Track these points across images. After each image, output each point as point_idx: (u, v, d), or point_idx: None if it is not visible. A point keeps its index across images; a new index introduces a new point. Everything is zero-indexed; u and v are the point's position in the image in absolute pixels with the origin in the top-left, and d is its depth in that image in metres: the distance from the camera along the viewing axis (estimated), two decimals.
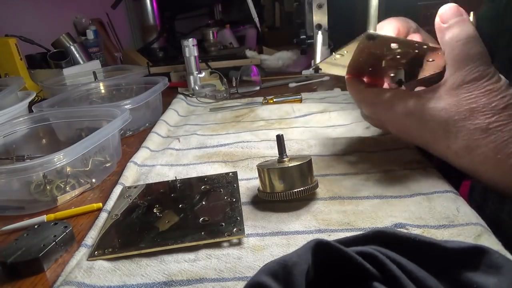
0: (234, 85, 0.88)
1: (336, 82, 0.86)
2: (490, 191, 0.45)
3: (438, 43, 0.38)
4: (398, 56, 0.40)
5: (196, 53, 0.88)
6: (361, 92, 0.43)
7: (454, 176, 0.41)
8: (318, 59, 0.95)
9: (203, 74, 0.90)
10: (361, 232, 0.26)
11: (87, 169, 0.48)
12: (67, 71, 0.96)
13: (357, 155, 0.47)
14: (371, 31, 0.36)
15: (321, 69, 0.46)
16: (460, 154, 0.36)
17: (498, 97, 0.34)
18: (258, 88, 0.87)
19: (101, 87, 0.79)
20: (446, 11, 0.36)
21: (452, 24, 0.36)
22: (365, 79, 0.46)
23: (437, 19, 0.37)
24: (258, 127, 0.63)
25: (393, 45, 0.37)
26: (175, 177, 0.46)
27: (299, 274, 0.22)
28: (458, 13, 0.36)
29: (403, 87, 0.44)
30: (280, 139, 0.39)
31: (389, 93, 0.41)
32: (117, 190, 0.44)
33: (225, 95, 0.84)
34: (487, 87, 0.34)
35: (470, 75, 0.34)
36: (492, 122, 0.34)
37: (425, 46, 0.37)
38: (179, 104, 0.80)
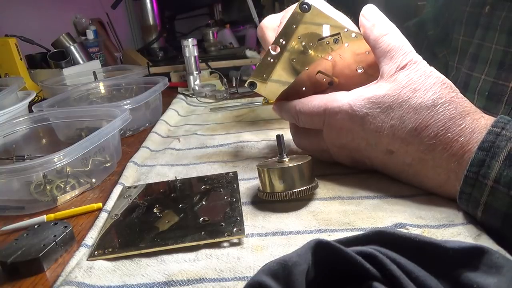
0: (234, 85, 0.88)
1: None
2: None
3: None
4: (329, 57, 0.42)
5: (196, 53, 0.88)
6: (296, 104, 0.42)
7: None
8: None
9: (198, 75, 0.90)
10: (361, 232, 0.26)
11: (87, 169, 0.48)
12: (67, 71, 0.96)
13: None
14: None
15: (254, 84, 0.45)
16: (408, 139, 0.35)
17: (434, 76, 0.35)
18: None
19: (101, 87, 0.79)
20: (368, 11, 0.40)
21: (376, 21, 0.39)
22: None
23: (362, 18, 0.40)
24: (258, 127, 0.63)
25: (325, 29, 0.40)
26: (175, 177, 0.46)
27: (299, 274, 0.22)
28: (379, 12, 0.40)
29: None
30: (280, 139, 0.39)
31: (326, 94, 0.41)
32: (117, 190, 0.44)
33: (225, 95, 0.84)
34: (421, 70, 0.36)
35: (404, 61, 0.36)
36: (437, 98, 0.34)
37: (353, 35, 0.40)
38: (179, 104, 0.80)
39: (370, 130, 0.37)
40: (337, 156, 0.43)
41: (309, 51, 0.42)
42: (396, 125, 0.36)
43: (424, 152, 0.35)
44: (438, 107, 0.34)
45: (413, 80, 0.35)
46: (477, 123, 0.33)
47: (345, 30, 0.40)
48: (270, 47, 0.42)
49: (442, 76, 0.36)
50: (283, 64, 0.43)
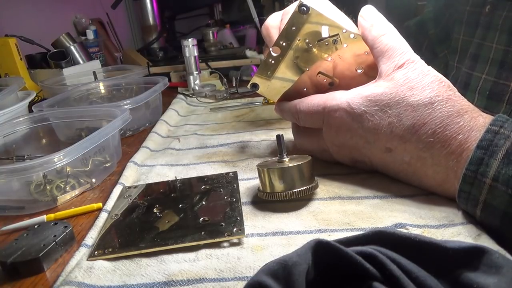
0: (234, 85, 0.88)
1: None
2: None
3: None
4: (328, 58, 0.42)
5: (196, 53, 0.88)
6: (297, 103, 0.43)
7: None
8: None
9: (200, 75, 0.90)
10: (361, 232, 0.26)
11: (87, 169, 0.48)
12: (67, 71, 0.96)
13: None
14: (304, 1, 0.39)
15: (257, 85, 0.45)
16: (406, 137, 0.36)
17: (431, 75, 0.36)
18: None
19: (101, 87, 0.79)
20: (367, 11, 0.40)
21: (374, 22, 0.39)
22: None
23: (360, 19, 0.40)
24: (258, 127, 0.63)
25: (324, 30, 0.40)
26: (175, 177, 0.46)
27: (299, 274, 0.22)
28: (377, 13, 0.40)
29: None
30: (280, 139, 0.39)
31: (325, 94, 0.41)
32: (117, 190, 0.44)
33: (225, 95, 0.84)
34: (419, 69, 0.36)
35: (401, 60, 0.37)
36: (434, 96, 0.34)
37: (352, 35, 0.40)
38: (179, 104, 0.80)
39: (368, 127, 0.37)
40: (337, 155, 0.43)
41: (313, 49, 0.42)
42: (394, 123, 0.36)
43: (422, 150, 0.35)
44: (435, 104, 0.34)
45: (410, 79, 0.36)
46: (475, 121, 0.33)
47: (344, 31, 0.40)
48: (271, 49, 0.42)
49: (440, 75, 0.36)
50: (287, 62, 0.43)
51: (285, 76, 0.44)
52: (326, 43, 0.41)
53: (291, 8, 0.42)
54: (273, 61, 0.43)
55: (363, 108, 0.37)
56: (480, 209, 0.31)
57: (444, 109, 0.34)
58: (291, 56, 0.42)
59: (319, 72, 0.43)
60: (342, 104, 0.39)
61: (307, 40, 0.41)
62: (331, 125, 0.40)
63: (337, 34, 0.40)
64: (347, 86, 0.41)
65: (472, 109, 0.34)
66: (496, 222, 0.30)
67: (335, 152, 0.43)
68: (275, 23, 0.45)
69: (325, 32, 0.41)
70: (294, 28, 0.41)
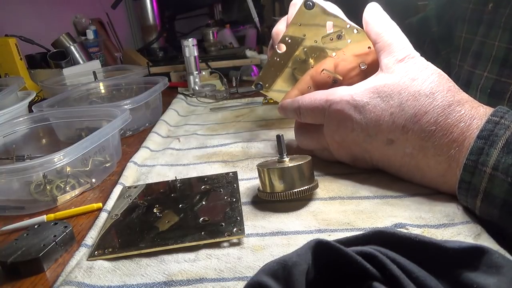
0: (234, 85, 0.88)
1: None
2: None
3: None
4: (333, 54, 0.43)
5: (196, 53, 0.88)
6: (299, 99, 0.44)
7: None
8: None
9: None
10: (361, 232, 0.26)
11: (87, 169, 0.48)
12: (67, 71, 0.96)
13: None
14: None
15: (260, 84, 0.46)
16: (408, 126, 0.36)
17: (431, 68, 0.37)
18: None
19: (101, 87, 0.79)
20: (371, 8, 0.41)
21: (378, 18, 0.41)
22: None
23: (365, 15, 0.41)
24: (258, 127, 0.63)
25: (328, 25, 0.41)
26: (175, 177, 0.46)
27: (299, 274, 0.22)
28: (381, 10, 0.41)
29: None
30: (280, 139, 0.39)
31: (328, 89, 0.42)
32: (117, 190, 0.44)
33: (225, 95, 0.84)
34: (419, 63, 0.37)
35: (402, 54, 0.38)
36: (435, 86, 0.35)
37: (356, 31, 0.41)
38: (179, 104, 0.80)
39: (371, 119, 0.38)
40: (337, 153, 0.43)
41: (310, 59, 0.43)
42: (396, 113, 0.36)
43: (424, 139, 0.35)
44: (436, 94, 0.35)
45: (411, 71, 0.37)
46: (476, 110, 0.34)
47: (348, 26, 0.41)
48: (276, 46, 0.43)
49: (439, 69, 0.37)
50: (285, 76, 0.45)
51: (282, 88, 0.45)
52: (331, 38, 0.42)
53: (294, 6, 0.43)
54: (278, 59, 0.44)
55: (366, 100, 0.38)
56: (480, 199, 0.31)
57: (445, 98, 0.35)
58: (288, 71, 0.44)
59: (323, 69, 0.44)
60: (345, 96, 0.39)
61: (305, 50, 0.42)
62: (332, 118, 0.40)
63: (341, 30, 0.41)
64: (349, 84, 0.42)
65: (472, 100, 0.35)
66: (496, 212, 0.30)
67: (335, 149, 0.43)
68: (283, 27, 0.46)
69: (329, 27, 0.42)
70: (299, 24, 0.41)
